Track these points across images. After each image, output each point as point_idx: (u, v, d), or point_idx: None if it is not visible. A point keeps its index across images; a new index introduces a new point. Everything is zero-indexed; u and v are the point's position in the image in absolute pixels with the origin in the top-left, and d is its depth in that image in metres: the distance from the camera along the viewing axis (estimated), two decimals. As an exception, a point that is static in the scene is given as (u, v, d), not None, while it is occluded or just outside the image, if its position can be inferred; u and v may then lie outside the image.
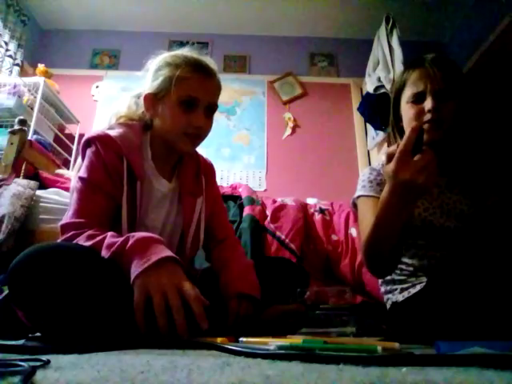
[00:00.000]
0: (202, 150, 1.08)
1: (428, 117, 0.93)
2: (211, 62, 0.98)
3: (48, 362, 0.40)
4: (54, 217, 1.57)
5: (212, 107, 0.96)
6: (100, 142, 0.89)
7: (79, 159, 0.95)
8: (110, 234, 0.76)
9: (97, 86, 3.20)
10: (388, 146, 1.07)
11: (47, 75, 2.74)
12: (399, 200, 0.75)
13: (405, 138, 0.71)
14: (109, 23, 3.32)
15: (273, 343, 0.51)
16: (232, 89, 3.20)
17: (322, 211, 1.92)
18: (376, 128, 2.69)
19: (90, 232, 0.77)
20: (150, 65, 0.99)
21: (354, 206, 1.05)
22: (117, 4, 3.14)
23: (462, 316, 0.76)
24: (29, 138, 2.03)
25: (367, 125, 2.96)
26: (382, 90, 2.37)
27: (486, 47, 2.63)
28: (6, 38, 2.75)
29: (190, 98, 0.91)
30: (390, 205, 0.76)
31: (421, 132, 0.71)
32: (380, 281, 1.07)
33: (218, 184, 1.24)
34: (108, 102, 3.09)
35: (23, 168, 1.78)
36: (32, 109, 2.45)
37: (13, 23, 2.83)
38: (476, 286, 0.76)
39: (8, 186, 1.58)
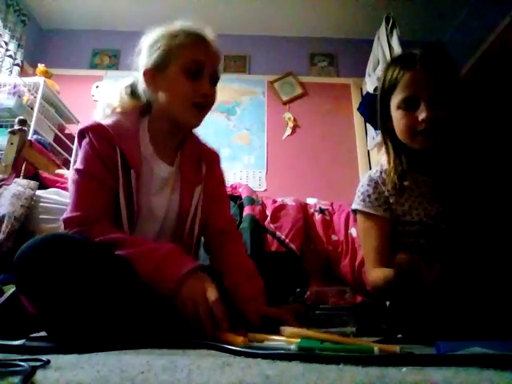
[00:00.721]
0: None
1: (422, 126, 0.91)
2: (209, 29, 0.96)
3: (48, 362, 0.40)
4: (54, 217, 1.57)
5: (215, 78, 0.93)
6: (93, 131, 0.86)
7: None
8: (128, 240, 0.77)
9: (97, 86, 3.19)
10: (386, 146, 1.06)
11: (47, 75, 2.74)
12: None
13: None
14: (109, 23, 3.32)
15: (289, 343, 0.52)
16: (232, 89, 3.20)
17: (321, 211, 1.92)
18: (376, 128, 2.69)
19: (97, 231, 0.77)
20: (142, 43, 0.96)
21: (354, 211, 1.06)
22: (117, 4, 3.14)
23: (462, 315, 0.76)
24: (29, 138, 2.03)
25: (367, 125, 2.96)
26: (382, 90, 2.37)
27: (486, 47, 2.63)
28: (6, 37, 2.75)
29: (194, 63, 0.88)
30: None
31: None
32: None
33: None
34: (108, 102, 3.09)
35: (23, 168, 1.78)
36: (32, 109, 2.44)
37: (13, 23, 2.83)
38: (475, 285, 0.76)
39: (8, 186, 1.58)
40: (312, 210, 1.93)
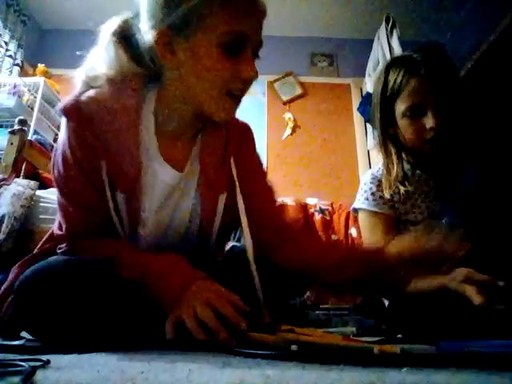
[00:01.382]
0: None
1: (431, 134, 0.91)
2: None
3: (48, 362, 0.40)
4: (54, 217, 1.57)
5: (258, 49, 0.68)
6: (73, 121, 0.65)
7: None
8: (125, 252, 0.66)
9: (97, 86, 3.19)
10: (385, 150, 1.03)
11: (47, 75, 2.74)
12: None
13: None
14: (109, 23, 3.33)
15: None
16: (232, 89, 3.20)
17: (321, 211, 1.92)
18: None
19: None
20: None
21: (355, 210, 1.05)
22: (117, 4, 3.14)
23: (462, 315, 0.76)
24: (29, 138, 2.03)
25: (367, 125, 2.96)
26: (382, 90, 2.37)
27: (486, 47, 2.63)
28: (6, 38, 2.75)
29: (237, 36, 0.63)
30: None
31: None
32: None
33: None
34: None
35: (23, 168, 1.78)
36: (32, 109, 2.45)
37: (13, 23, 2.82)
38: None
39: (8, 186, 1.58)
40: (312, 210, 1.93)
